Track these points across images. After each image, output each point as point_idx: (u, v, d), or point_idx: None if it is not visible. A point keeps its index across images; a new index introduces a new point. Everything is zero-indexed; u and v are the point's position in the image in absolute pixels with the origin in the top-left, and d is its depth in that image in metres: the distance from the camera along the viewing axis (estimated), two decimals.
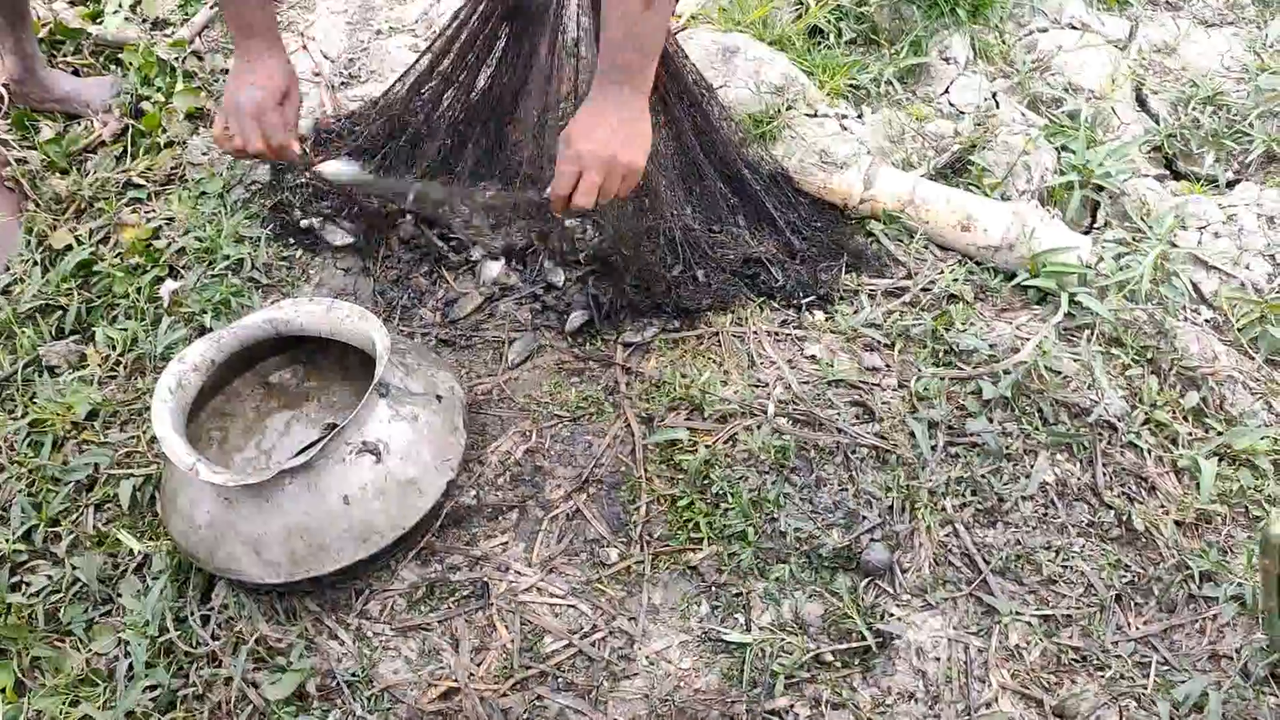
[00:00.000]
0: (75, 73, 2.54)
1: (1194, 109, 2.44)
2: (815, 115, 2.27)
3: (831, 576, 1.65)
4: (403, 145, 2.08)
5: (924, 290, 2.03)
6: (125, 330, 2.02)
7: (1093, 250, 2.04)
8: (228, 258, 2.11)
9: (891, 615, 1.61)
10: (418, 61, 2.08)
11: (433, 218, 2.13)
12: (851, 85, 2.43)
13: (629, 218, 1.92)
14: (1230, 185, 2.33)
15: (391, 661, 1.59)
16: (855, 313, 1.99)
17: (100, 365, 1.98)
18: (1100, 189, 2.20)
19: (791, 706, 1.52)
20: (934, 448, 1.78)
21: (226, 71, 2.57)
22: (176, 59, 2.53)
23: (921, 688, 1.54)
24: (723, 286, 2.00)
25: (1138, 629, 1.60)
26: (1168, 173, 2.39)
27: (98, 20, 2.65)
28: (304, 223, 2.15)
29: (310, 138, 2.26)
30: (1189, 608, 1.63)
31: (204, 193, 2.25)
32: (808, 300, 2.00)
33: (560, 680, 1.56)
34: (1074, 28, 2.65)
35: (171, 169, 2.33)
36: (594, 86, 1.55)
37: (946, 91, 2.47)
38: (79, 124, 2.43)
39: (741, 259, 2.04)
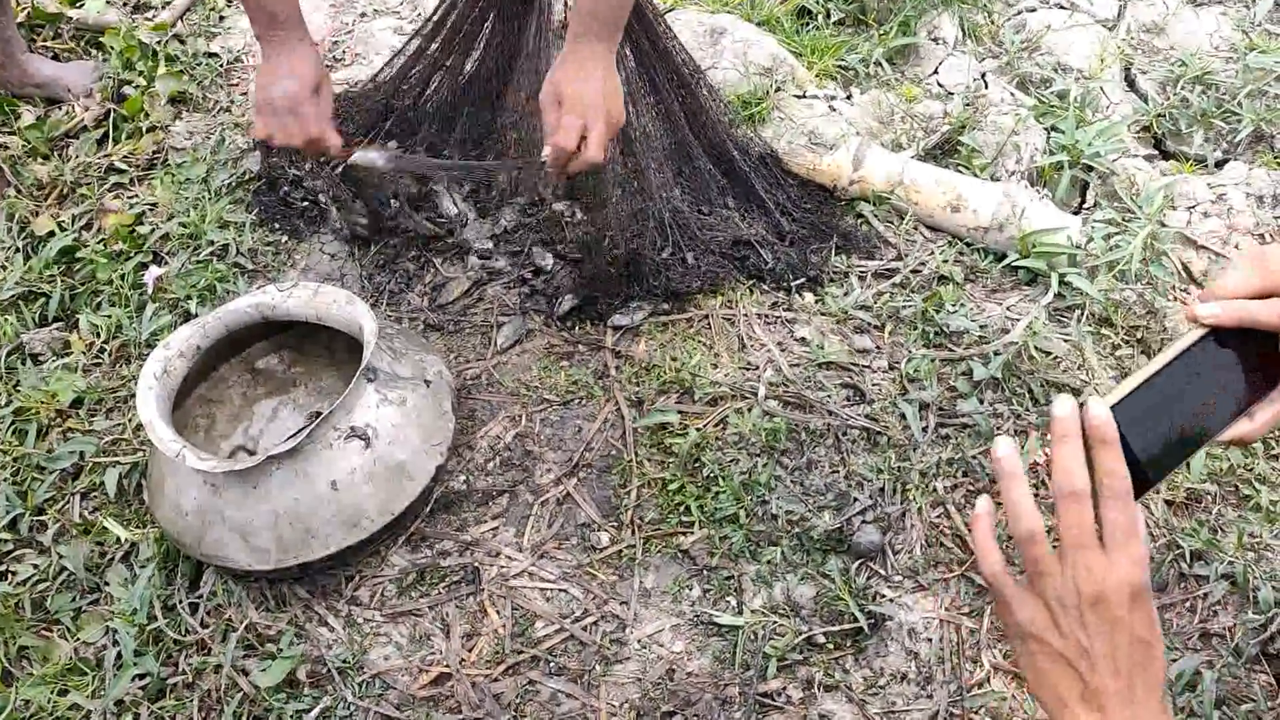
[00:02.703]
0: (55, 58, 2.51)
1: (1183, 88, 2.43)
2: (804, 96, 2.26)
3: (823, 558, 1.64)
4: (391, 129, 2.07)
5: (914, 272, 2.02)
6: (109, 317, 2.00)
7: (1082, 230, 2.03)
8: (212, 243, 2.10)
9: (883, 597, 1.61)
10: (408, 44, 2.06)
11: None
12: (840, 66, 2.42)
13: (620, 200, 1.90)
14: (1219, 164, 2.32)
15: (382, 648, 1.58)
16: (845, 295, 1.98)
17: (84, 352, 1.96)
18: (1090, 169, 2.19)
19: (784, 688, 1.52)
20: (925, 429, 1.78)
21: (210, 55, 2.55)
22: (158, 43, 2.50)
23: (914, 668, 1.54)
24: (712, 269, 1.98)
25: None
26: (1157, 152, 2.39)
27: (77, 4, 2.62)
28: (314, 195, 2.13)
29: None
30: (1180, 587, 1.63)
31: (187, 178, 2.23)
32: (798, 282, 1.99)
33: (552, 664, 1.56)
34: (1062, 7, 2.64)
35: (153, 154, 2.31)
36: (569, 40, 1.55)
37: (935, 72, 2.46)
38: (60, 109, 2.40)
39: (731, 241, 2.03)
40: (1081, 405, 0.74)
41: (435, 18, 1.99)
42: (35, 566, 1.70)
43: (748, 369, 1.87)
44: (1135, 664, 0.72)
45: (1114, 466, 0.73)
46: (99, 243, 2.12)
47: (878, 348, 1.91)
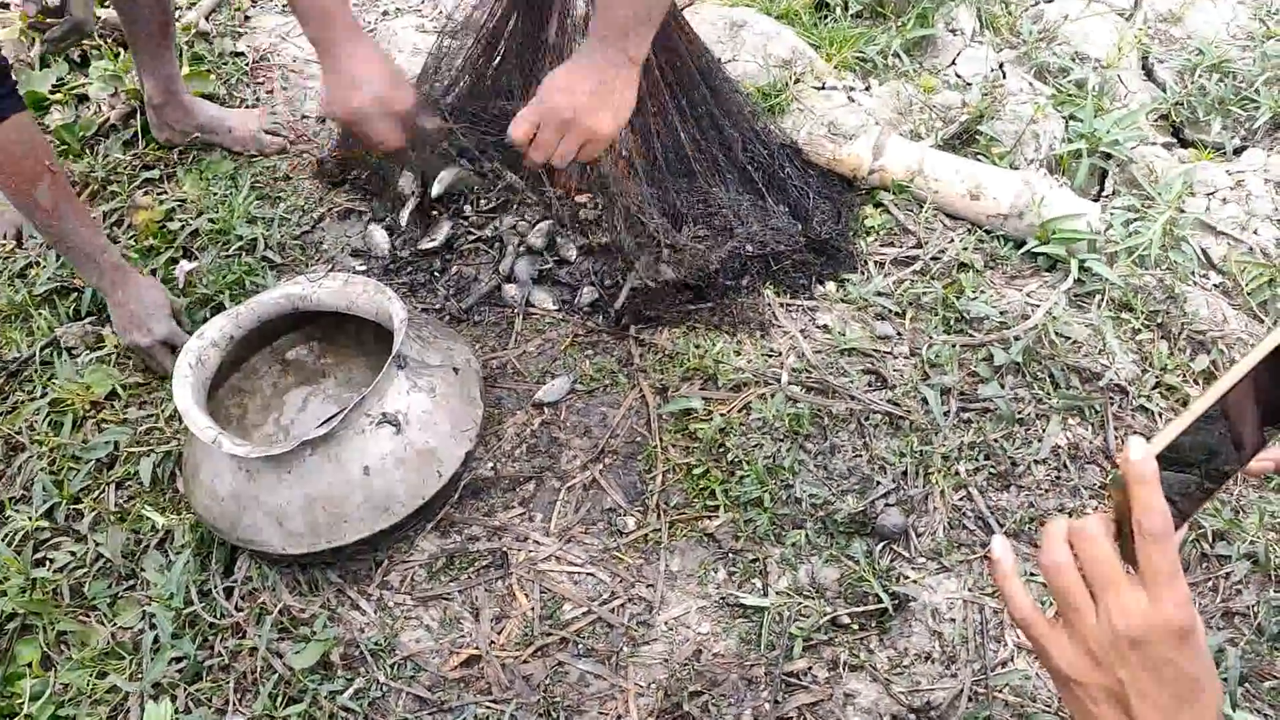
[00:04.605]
0: (83, 56, 2.55)
1: (1200, 76, 2.44)
2: (823, 88, 2.28)
3: (847, 541, 1.66)
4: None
5: (934, 259, 2.04)
6: None
7: (1101, 217, 2.04)
8: (241, 238, 2.13)
9: (907, 578, 1.63)
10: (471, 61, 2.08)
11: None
12: (859, 58, 2.44)
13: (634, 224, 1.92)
14: (1237, 152, 2.34)
15: (413, 630, 1.61)
16: (866, 282, 2.00)
17: (117, 346, 1.99)
18: (1108, 157, 2.21)
19: (810, 668, 1.54)
20: (946, 413, 1.80)
21: (236, 54, 2.59)
22: (186, 43, 2.54)
23: (938, 648, 1.56)
24: (734, 281, 1.98)
25: None
26: (1175, 140, 2.40)
27: (105, 4, 2.66)
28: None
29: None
30: (1202, 566, 1.64)
31: (215, 175, 2.27)
32: (820, 275, 2.01)
33: (580, 646, 1.58)
34: None
35: (181, 152, 2.34)
36: (584, 43, 1.52)
37: (953, 63, 2.48)
38: (89, 108, 2.44)
39: (757, 244, 2.01)
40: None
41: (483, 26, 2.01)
42: (72, 554, 1.73)
43: (770, 356, 1.89)
44: (1182, 701, 0.71)
45: (1153, 503, 0.71)
46: (130, 239, 2.16)
47: (899, 334, 1.92)
